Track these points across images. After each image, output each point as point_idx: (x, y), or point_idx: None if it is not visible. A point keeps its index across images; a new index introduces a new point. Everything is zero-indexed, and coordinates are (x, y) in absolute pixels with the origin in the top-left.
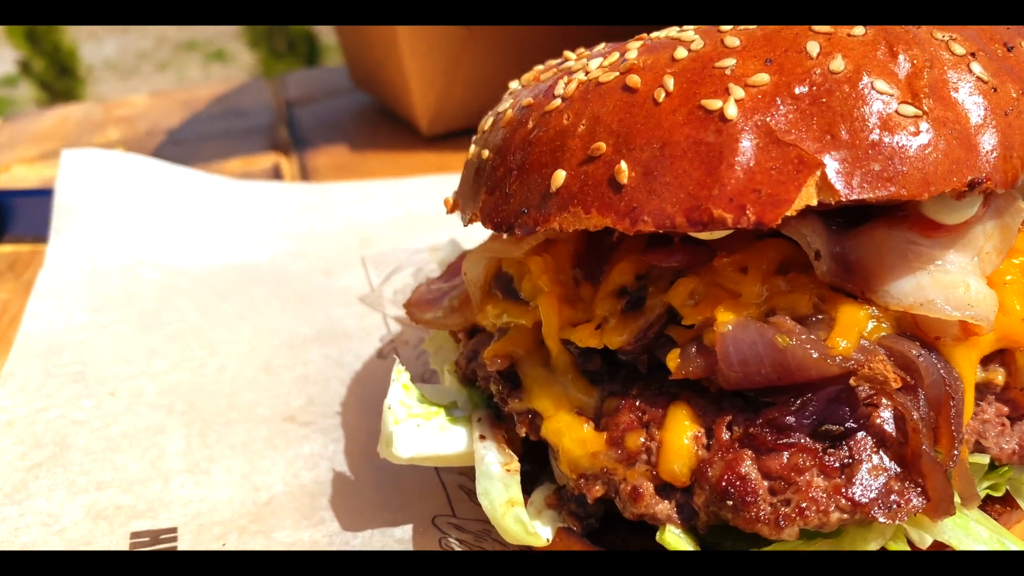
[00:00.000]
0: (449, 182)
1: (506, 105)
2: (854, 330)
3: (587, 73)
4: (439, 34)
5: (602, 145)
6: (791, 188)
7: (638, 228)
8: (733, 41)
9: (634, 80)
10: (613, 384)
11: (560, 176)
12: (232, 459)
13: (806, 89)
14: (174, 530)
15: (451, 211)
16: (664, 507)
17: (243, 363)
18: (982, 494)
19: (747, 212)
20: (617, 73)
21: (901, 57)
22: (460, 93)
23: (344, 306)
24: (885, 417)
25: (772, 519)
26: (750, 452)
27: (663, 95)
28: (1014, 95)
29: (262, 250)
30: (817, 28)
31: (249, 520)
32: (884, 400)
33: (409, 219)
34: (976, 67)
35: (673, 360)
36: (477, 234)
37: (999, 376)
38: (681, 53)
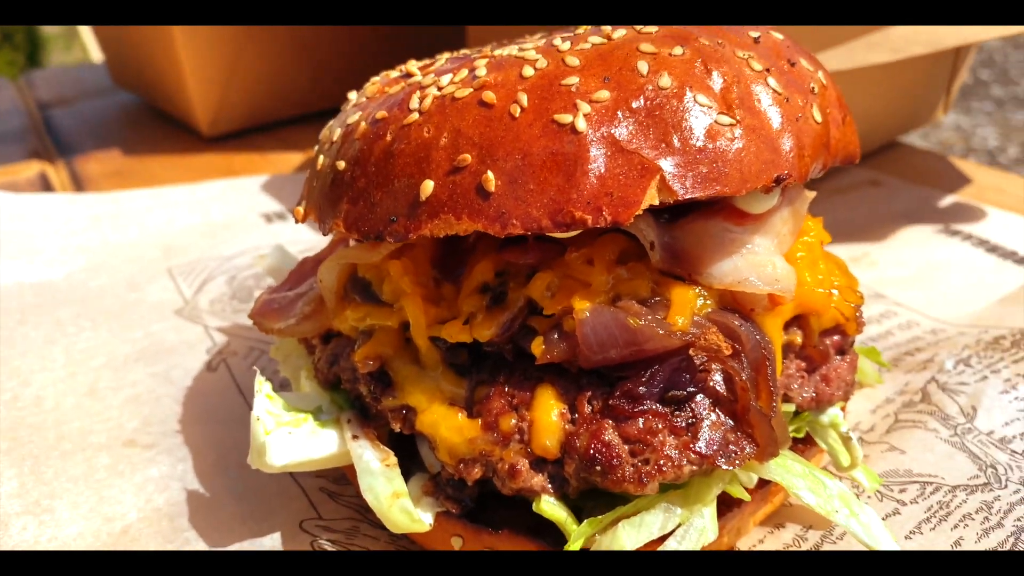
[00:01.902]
0: (246, 186)
1: (354, 117)
2: (688, 308)
3: (440, 88)
4: (217, 30)
5: (467, 157)
6: (637, 191)
7: (508, 231)
8: (573, 61)
9: (489, 96)
10: (481, 374)
11: (428, 186)
12: (76, 492)
13: (642, 103)
14: None
15: (302, 220)
16: (539, 479)
17: (62, 390)
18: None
19: (603, 213)
20: (471, 89)
21: (715, 74)
22: (241, 91)
23: (161, 320)
24: (718, 380)
25: (635, 477)
26: (610, 421)
27: (519, 110)
28: (800, 103)
29: (56, 268)
30: (643, 48)
31: None
32: (716, 366)
33: (211, 226)
34: (772, 81)
35: (538, 347)
36: (301, 239)
37: (798, 337)
38: (528, 71)
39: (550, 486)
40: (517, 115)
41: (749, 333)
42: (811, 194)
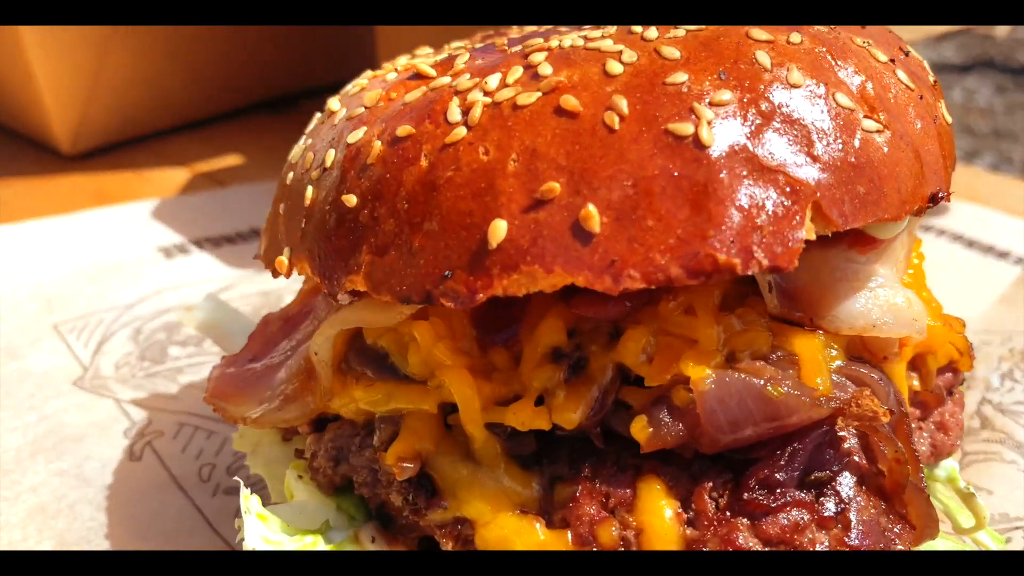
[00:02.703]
0: (132, 214)
1: (357, 134)
2: (823, 364)
3: (488, 93)
4: (75, 32)
5: (555, 186)
6: (793, 223)
7: (623, 286)
8: (671, 52)
9: (571, 102)
10: (556, 467)
11: (499, 227)
12: None
13: (774, 105)
14: None
15: (287, 274)
16: None
17: None
18: None
19: (755, 256)
20: (539, 93)
21: (847, 67)
22: (107, 101)
23: (56, 396)
24: (860, 452)
25: None
26: (744, 520)
27: (617, 120)
28: (930, 100)
29: None
30: (754, 34)
31: None
32: (851, 434)
33: (98, 268)
34: (901, 74)
35: (642, 431)
36: (215, 275)
37: (915, 381)
38: (615, 67)
39: None
40: (616, 127)
41: (886, 389)
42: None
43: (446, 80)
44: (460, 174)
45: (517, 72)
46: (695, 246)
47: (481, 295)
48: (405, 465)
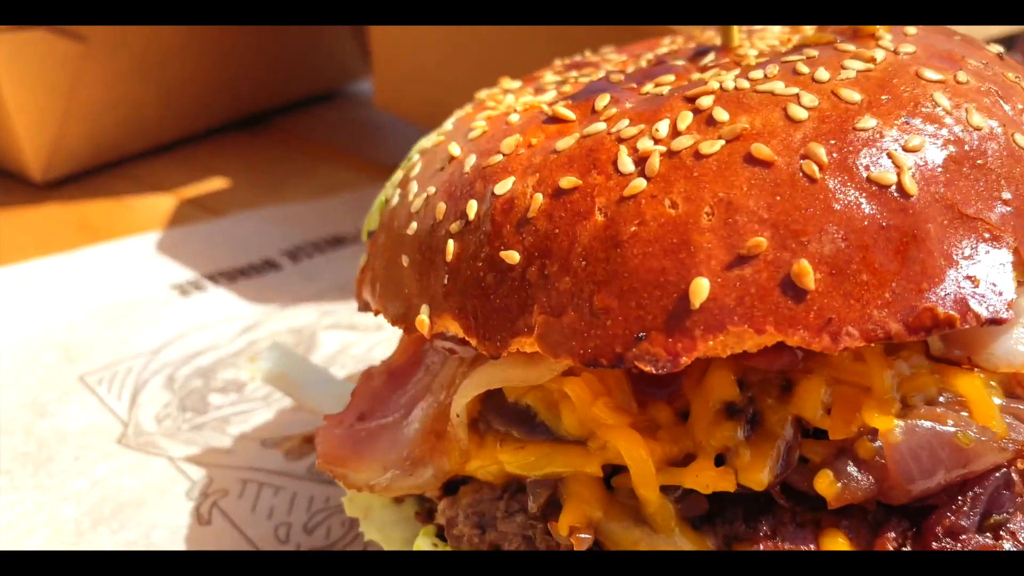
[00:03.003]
0: (136, 248)
1: (505, 185)
2: (991, 406)
3: (658, 141)
4: (46, 54)
5: (761, 241)
6: (1003, 272)
7: (842, 344)
8: (851, 95)
9: (763, 151)
10: (730, 527)
11: (701, 286)
12: None
13: (958, 150)
14: None
15: (428, 335)
16: None
17: None
18: None
19: (972, 309)
20: (723, 141)
21: (1017, 105)
22: (81, 125)
23: (104, 458)
24: None
25: None
26: None
27: (816, 169)
28: None
29: None
30: (926, 74)
31: None
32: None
33: (112, 310)
34: None
35: (829, 487)
36: (239, 312)
37: None
38: (798, 112)
39: None
40: (817, 176)
41: None
42: None
43: (600, 126)
44: (647, 229)
45: (687, 118)
46: (911, 300)
47: (685, 359)
48: (582, 536)
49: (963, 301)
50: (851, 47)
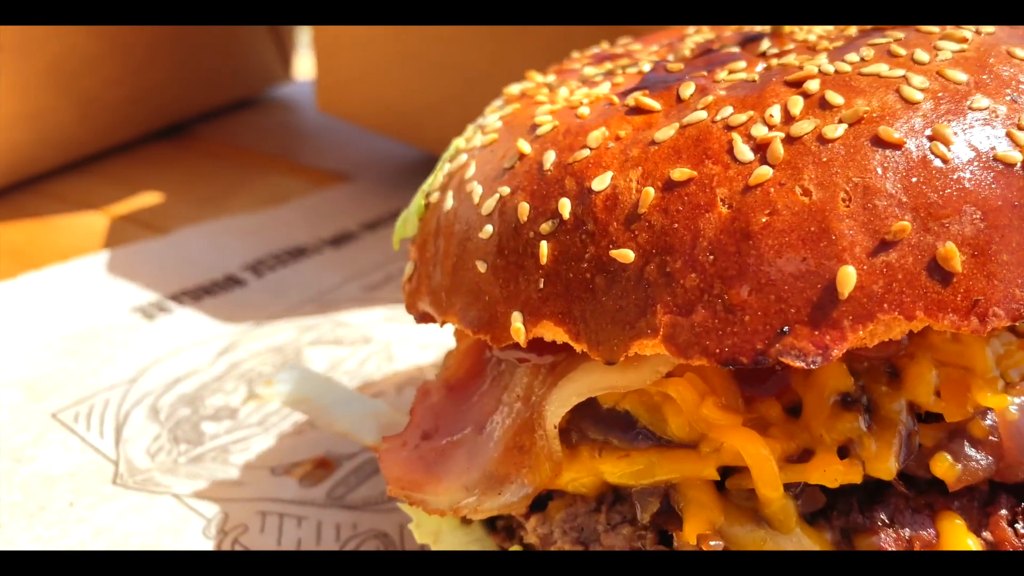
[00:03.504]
0: (83, 271)
1: (604, 181)
2: None
3: (772, 127)
4: None
5: (906, 225)
6: None
7: (989, 324)
8: (958, 75)
9: (889, 134)
10: (846, 519)
11: (848, 274)
12: None
13: None
14: None
15: (523, 343)
16: None
17: None
18: None
19: None
20: (845, 125)
21: None
22: None
23: (102, 503)
24: None
25: None
26: None
27: (945, 150)
28: None
29: None
30: (1018, 52)
31: None
32: None
33: (67, 341)
34: None
35: (950, 469)
36: (207, 333)
37: None
38: (913, 94)
39: None
40: (949, 157)
41: None
42: None
43: (701, 115)
44: (780, 219)
45: (798, 103)
46: None
47: (836, 351)
48: (713, 543)
49: None
50: (935, 29)
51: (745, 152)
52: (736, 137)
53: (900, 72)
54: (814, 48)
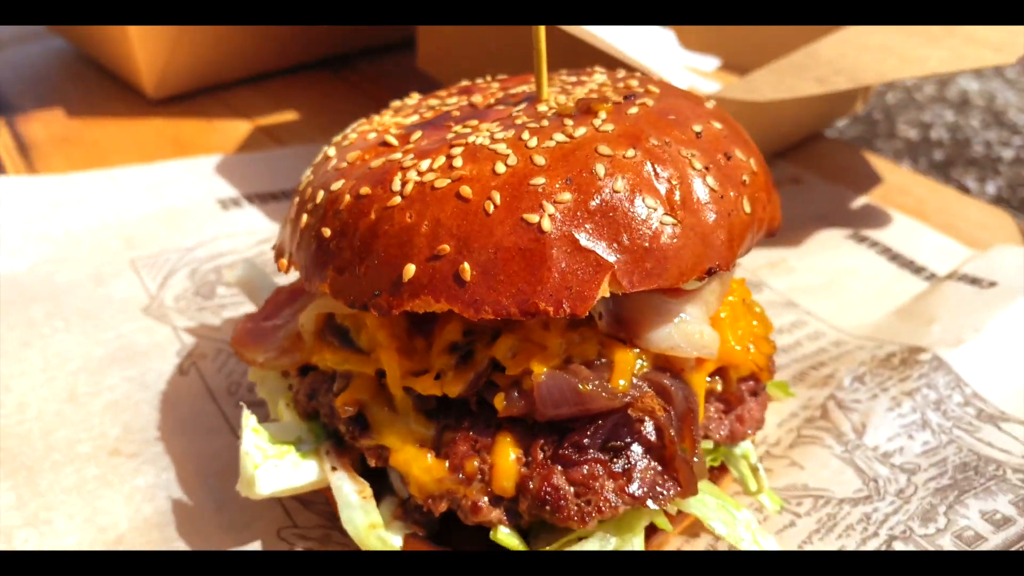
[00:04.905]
0: (201, 167)
1: (338, 184)
2: (628, 371)
3: (420, 174)
4: None
5: (447, 247)
6: (592, 286)
7: (480, 316)
8: (540, 160)
9: (466, 191)
10: (447, 420)
11: (411, 269)
12: (70, 503)
13: (598, 204)
14: None
15: (285, 271)
16: (496, 514)
17: (43, 396)
18: (707, 466)
19: (563, 306)
20: (449, 180)
21: (662, 175)
22: (189, 53)
23: (130, 320)
24: (650, 431)
25: (579, 516)
26: (559, 467)
27: (492, 207)
28: (733, 197)
29: (19, 258)
30: (601, 150)
31: None
32: (649, 420)
33: (168, 213)
34: (710, 180)
35: (500, 402)
36: (257, 228)
37: (718, 385)
38: (500, 168)
39: (506, 519)
40: (491, 212)
41: (678, 390)
42: (735, 267)
43: (398, 156)
44: (392, 229)
45: (441, 160)
46: (527, 296)
47: (395, 310)
48: (347, 408)
49: (559, 301)
50: (570, 122)
51: (397, 185)
52: (399, 175)
53: (507, 151)
54: (514, 120)
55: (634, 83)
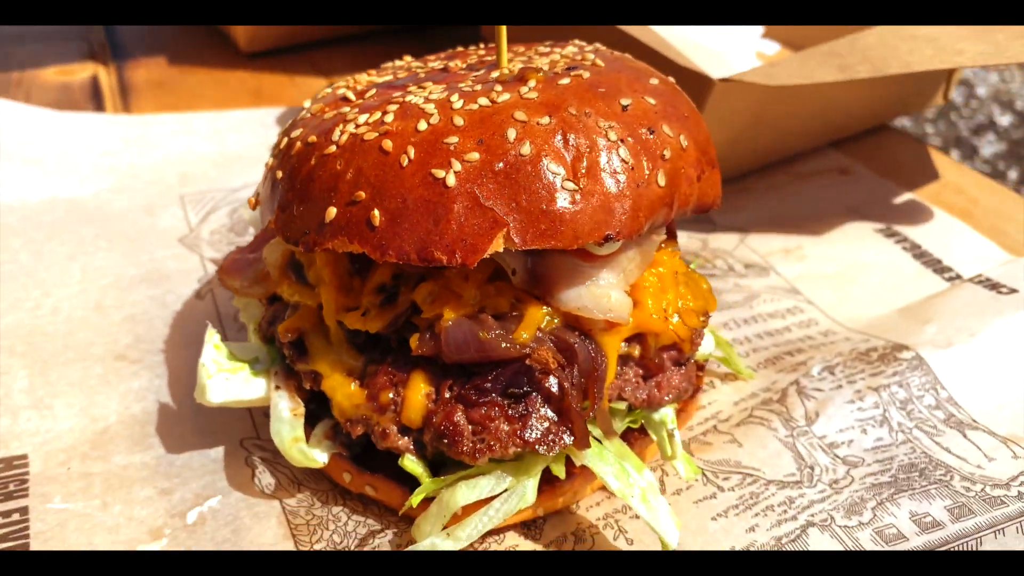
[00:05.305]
0: (262, 117)
1: (296, 132)
2: (533, 325)
3: (356, 127)
4: None
5: (362, 194)
6: (486, 240)
7: (384, 259)
8: (459, 121)
9: (388, 144)
10: (374, 354)
11: (332, 212)
12: (71, 395)
13: (503, 166)
14: (24, 456)
15: (253, 208)
16: (404, 442)
17: (75, 304)
18: (623, 427)
19: (456, 255)
20: (377, 134)
21: (572, 143)
22: None
23: (166, 247)
24: (552, 383)
25: (471, 451)
26: (461, 406)
27: (407, 161)
28: (647, 169)
29: (86, 186)
30: (517, 116)
31: (89, 447)
32: (550, 373)
33: (224, 157)
34: (623, 151)
35: (414, 341)
36: None
37: (636, 351)
38: (422, 125)
39: (412, 448)
40: (405, 165)
41: (582, 347)
42: (659, 238)
43: (346, 109)
44: (324, 174)
45: (376, 115)
46: (426, 244)
47: (317, 248)
48: (288, 334)
49: (452, 251)
50: (499, 88)
51: (337, 135)
52: (339, 127)
53: (434, 110)
54: (463, 80)
55: (591, 56)
